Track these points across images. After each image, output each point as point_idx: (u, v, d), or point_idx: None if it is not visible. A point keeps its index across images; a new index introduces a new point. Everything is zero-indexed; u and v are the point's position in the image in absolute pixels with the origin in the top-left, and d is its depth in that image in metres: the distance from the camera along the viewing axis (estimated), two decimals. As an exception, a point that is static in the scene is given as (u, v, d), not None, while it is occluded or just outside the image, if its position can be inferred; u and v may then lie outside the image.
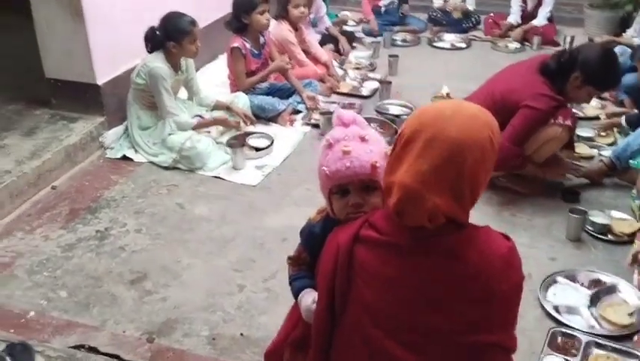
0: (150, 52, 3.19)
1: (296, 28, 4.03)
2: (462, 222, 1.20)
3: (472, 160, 1.14)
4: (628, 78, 3.47)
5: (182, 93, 3.49)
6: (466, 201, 1.18)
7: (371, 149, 1.32)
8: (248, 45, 3.61)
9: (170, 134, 3.22)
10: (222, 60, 4.13)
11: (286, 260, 1.56)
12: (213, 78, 4.02)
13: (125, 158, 3.28)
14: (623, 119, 3.50)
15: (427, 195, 1.14)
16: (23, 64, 3.69)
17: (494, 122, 1.21)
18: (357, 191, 1.34)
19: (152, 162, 3.24)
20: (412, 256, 1.20)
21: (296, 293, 1.48)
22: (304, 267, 1.49)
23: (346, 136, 1.33)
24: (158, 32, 3.14)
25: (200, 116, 3.45)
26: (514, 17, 4.97)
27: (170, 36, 3.13)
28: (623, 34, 4.48)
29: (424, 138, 1.14)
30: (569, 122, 2.75)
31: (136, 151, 3.30)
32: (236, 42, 3.57)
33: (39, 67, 3.34)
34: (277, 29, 3.93)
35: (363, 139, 1.33)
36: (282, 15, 3.95)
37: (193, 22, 3.16)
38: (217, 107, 3.51)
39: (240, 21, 3.55)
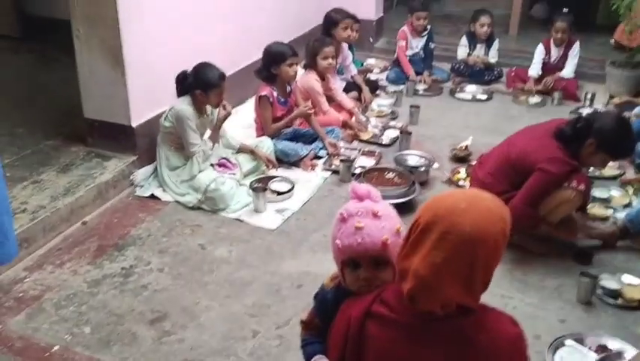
0: (179, 96, 3.36)
1: (323, 78, 4.19)
2: (472, 307, 1.25)
3: (485, 254, 1.20)
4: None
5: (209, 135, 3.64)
6: (477, 289, 1.24)
7: (383, 225, 1.37)
8: (275, 93, 3.78)
9: (200, 171, 3.36)
10: (250, 104, 4.30)
11: (299, 323, 1.63)
12: (240, 121, 4.18)
13: (153, 197, 3.42)
14: None
15: (441, 286, 1.19)
16: (65, 101, 3.90)
17: (507, 213, 1.26)
18: (367, 266, 1.38)
19: (178, 202, 3.38)
20: (422, 337, 1.25)
21: (307, 358, 1.54)
22: (316, 331, 1.55)
23: (359, 211, 1.38)
24: (188, 77, 3.31)
25: (226, 158, 3.61)
26: (535, 70, 5.01)
27: (198, 84, 3.29)
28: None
29: (438, 230, 1.19)
30: (582, 187, 2.81)
31: (164, 190, 3.44)
32: (265, 91, 3.74)
33: (79, 105, 3.54)
34: (305, 78, 4.09)
35: (375, 215, 1.38)
36: (311, 65, 4.12)
37: (222, 77, 3.31)
38: (242, 149, 3.66)
39: (269, 71, 3.73)
